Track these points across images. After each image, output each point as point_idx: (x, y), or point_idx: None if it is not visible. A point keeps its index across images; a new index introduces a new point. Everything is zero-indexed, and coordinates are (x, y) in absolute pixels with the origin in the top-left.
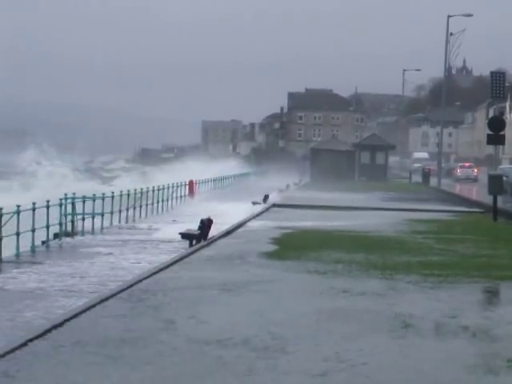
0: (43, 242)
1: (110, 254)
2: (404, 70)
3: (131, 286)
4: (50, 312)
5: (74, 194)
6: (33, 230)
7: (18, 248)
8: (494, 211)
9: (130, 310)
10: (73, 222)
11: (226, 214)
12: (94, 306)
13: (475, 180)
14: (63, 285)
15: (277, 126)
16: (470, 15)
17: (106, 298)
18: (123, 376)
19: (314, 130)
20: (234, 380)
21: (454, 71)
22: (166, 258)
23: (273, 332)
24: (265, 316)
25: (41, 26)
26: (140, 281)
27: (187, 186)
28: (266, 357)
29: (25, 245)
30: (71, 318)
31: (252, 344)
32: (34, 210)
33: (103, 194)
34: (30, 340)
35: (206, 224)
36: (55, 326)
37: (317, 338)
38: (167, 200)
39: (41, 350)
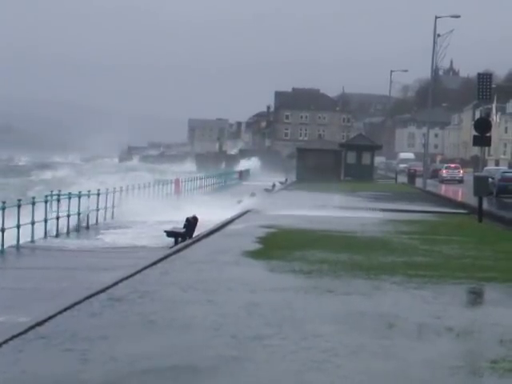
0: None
1: None
2: (391, 71)
3: None
4: None
5: (59, 191)
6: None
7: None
8: (480, 213)
9: None
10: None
11: (212, 213)
12: None
13: (461, 181)
14: None
15: (263, 125)
16: (457, 16)
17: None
18: None
19: (300, 129)
20: None
21: (441, 72)
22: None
23: (255, 328)
24: (249, 313)
25: (29, 24)
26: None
27: (173, 184)
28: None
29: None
30: None
31: (236, 337)
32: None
33: (89, 191)
34: None
35: (191, 222)
36: None
37: (300, 337)
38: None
39: None
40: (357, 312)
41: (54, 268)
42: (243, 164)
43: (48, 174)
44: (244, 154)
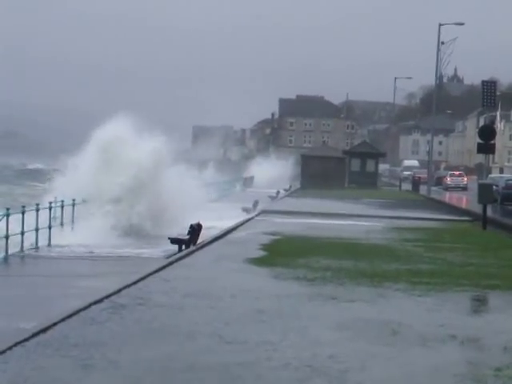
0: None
1: None
2: (395, 78)
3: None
4: None
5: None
6: (22, 233)
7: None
8: (484, 220)
9: None
10: (62, 225)
11: (216, 219)
12: None
13: (465, 188)
14: None
15: (267, 131)
16: (461, 24)
17: None
18: None
19: (304, 136)
20: None
21: (445, 80)
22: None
23: (260, 335)
24: (253, 320)
25: (28, 28)
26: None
27: None
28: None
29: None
30: None
31: (241, 344)
32: (23, 212)
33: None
34: None
35: (195, 229)
36: None
37: (304, 343)
38: None
39: None
40: (360, 319)
41: (57, 276)
42: (258, 163)
43: None
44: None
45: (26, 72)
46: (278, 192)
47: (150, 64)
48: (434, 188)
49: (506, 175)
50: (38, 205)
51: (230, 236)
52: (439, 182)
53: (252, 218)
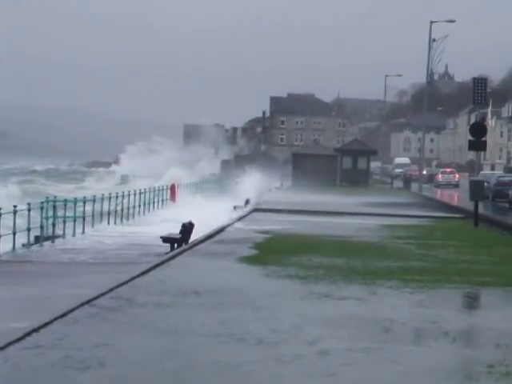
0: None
1: None
2: (386, 76)
3: None
4: None
5: (55, 197)
6: (14, 233)
7: None
8: (475, 217)
9: None
10: (54, 225)
11: (207, 217)
12: None
13: (456, 185)
14: None
15: (259, 130)
16: (452, 21)
17: None
18: None
19: (295, 134)
20: None
21: (436, 77)
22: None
23: (253, 333)
24: (247, 319)
25: (24, 27)
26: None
27: (169, 190)
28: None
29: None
30: None
31: (235, 342)
32: (15, 212)
33: (84, 197)
34: None
35: (187, 228)
36: None
37: (297, 342)
38: (148, 204)
39: None
40: (353, 317)
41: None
42: None
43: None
44: (239, 159)
45: (23, 72)
46: (269, 190)
47: (144, 64)
48: (425, 185)
49: (497, 172)
50: (29, 204)
51: (221, 234)
52: (431, 179)
53: (243, 217)
